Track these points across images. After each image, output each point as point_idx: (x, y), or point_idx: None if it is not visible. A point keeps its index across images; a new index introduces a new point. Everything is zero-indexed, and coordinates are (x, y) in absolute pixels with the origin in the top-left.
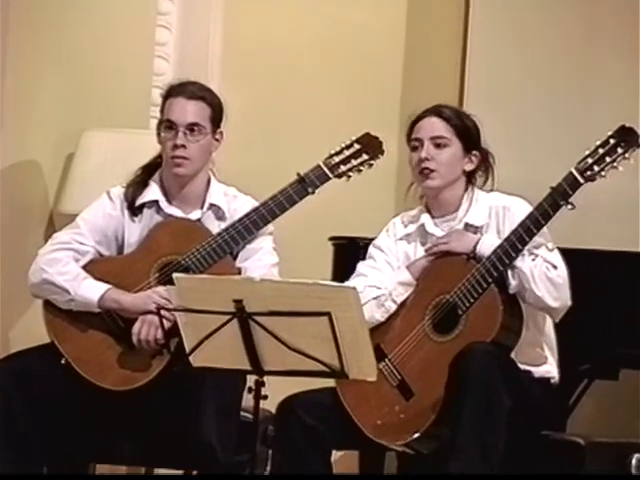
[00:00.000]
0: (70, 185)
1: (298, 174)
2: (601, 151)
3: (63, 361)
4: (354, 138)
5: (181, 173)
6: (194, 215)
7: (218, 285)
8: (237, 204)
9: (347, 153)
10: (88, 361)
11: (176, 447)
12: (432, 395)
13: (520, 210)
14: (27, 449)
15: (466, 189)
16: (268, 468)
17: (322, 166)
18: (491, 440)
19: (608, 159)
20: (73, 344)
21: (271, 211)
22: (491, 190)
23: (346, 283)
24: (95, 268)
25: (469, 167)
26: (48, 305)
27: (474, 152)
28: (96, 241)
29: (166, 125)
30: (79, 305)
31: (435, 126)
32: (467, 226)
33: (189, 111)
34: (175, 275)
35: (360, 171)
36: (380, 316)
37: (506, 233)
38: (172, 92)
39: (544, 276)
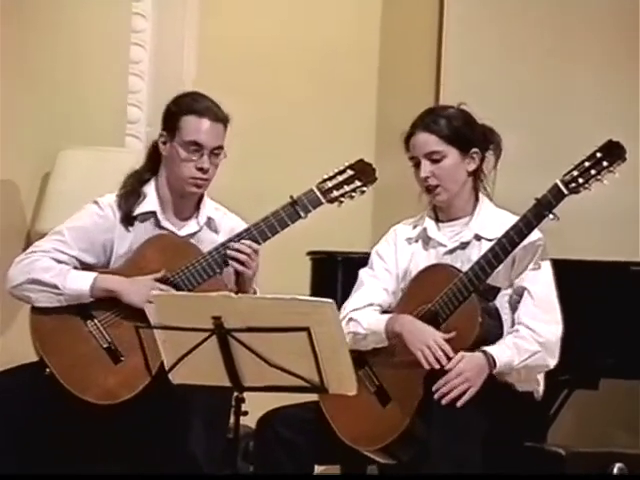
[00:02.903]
0: (47, 204)
1: (291, 197)
2: (587, 164)
3: (47, 371)
4: (347, 164)
5: (199, 193)
6: (190, 228)
7: (196, 302)
8: (228, 221)
9: (340, 179)
10: (73, 374)
11: (162, 462)
12: (408, 402)
13: (534, 236)
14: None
15: (474, 190)
16: None
17: (315, 190)
18: (464, 459)
19: (593, 172)
20: (58, 355)
21: (262, 233)
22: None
23: (353, 292)
24: None
25: (472, 167)
26: (34, 317)
27: (473, 150)
28: (81, 249)
29: (193, 148)
30: (69, 299)
31: (426, 142)
32: (478, 237)
33: (216, 135)
34: (153, 293)
35: (352, 197)
36: (357, 348)
37: (517, 258)
38: (193, 110)
39: (531, 371)
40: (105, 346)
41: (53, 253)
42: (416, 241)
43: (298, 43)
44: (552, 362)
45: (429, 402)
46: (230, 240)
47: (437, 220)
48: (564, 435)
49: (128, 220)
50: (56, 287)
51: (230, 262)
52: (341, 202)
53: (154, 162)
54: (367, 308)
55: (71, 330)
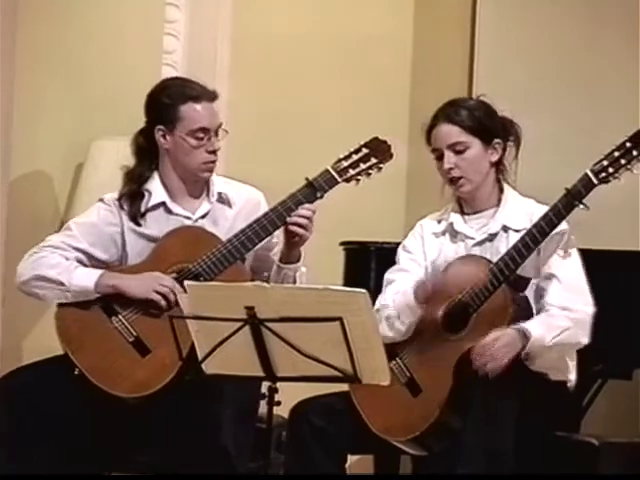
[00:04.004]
0: (80, 195)
1: (307, 179)
2: (617, 154)
3: (76, 371)
4: (362, 142)
5: (211, 175)
6: (203, 209)
7: (229, 292)
8: (243, 193)
9: (355, 157)
10: (101, 370)
11: (192, 453)
12: (439, 392)
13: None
14: (40, 466)
15: (497, 181)
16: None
17: (330, 170)
18: (496, 448)
19: (623, 161)
20: (85, 353)
21: (280, 216)
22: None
23: (382, 293)
24: None
25: (494, 158)
26: (59, 318)
27: (495, 141)
28: (89, 242)
29: (199, 135)
30: (76, 295)
31: (449, 133)
32: (505, 228)
33: (216, 114)
34: (187, 283)
35: (369, 175)
36: (394, 335)
37: (542, 247)
38: (189, 97)
39: (564, 349)
40: (131, 340)
41: (62, 248)
42: (443, 234)
43: (331, 33)
44: (584, 340)
45: (460, 393)
46: (249, 226)
47: (462, 213)
48: (597, 425)
49: (137, 219)
50: (62, 284)
51: (291, 228)
52: (358, 180)
53: (150, 158)
54: (396, 298)
55: (96, 328)
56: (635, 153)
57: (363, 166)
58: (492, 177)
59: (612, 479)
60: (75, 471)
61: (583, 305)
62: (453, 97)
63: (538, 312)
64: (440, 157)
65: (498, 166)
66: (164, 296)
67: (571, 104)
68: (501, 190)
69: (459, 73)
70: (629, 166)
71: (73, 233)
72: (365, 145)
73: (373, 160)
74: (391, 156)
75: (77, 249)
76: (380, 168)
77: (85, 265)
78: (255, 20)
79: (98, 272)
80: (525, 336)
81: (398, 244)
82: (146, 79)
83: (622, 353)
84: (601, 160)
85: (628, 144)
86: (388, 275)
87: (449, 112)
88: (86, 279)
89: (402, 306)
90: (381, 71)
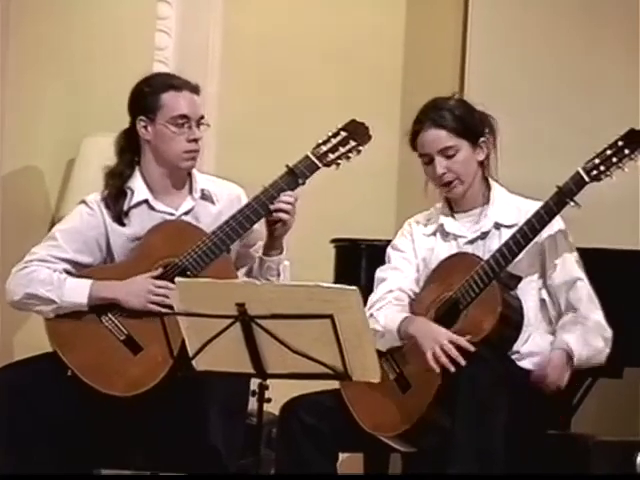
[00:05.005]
0: (71, 190)
1: (287, 166)
2: (608, 152)
3: (69, 373)
4: (340, 126)
5: (193, 166)
6: (186, 205)
7: (220, 289)
8: (224, 190)
9: (334, 141)
10: (93, 370)
11: (182, 452)
12: (427, 389)
13: (558, 226)
14: (34, 464)
15: (484, 178)
16: (272, 471)
17: (310, 156)
18: (486, 446)
19: (615, 159)
20: (77, 354)
21: (263, 205)
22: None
23: (374, 288)
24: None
25: (481, 157)
26: (50, 321)
27: (481, 140)
28: (75, 250)
29: (181, 122)
30: (68, 309)
31: (438, 138)
32: (497, 225)
33: (198, 105)
34: (177, 279)
35: (349, 158)
36: (380, 346)
37: (546, 248)
38: (170, 86)
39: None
40: (122, 338)
41: (49, 261)
42: (434, 235)
43: (324, 30)
44: (605, 359)
45: (449, 390)
46: (232, 217)
47: (452, 212)
48: (588, 423)
49: (120, 218)
50: (53, 302)
51: (276, 214)
52: (338, 164)
53: (131, 154)
54: (387, 296)
55: (87, 328)
56: (627, 151)
57: (342, 150)
58: (479, 175)
59: (603, 479)
60: (67, 470)
61: (608, 326)
62: (445, 93)
63: (540, 310)
64: (429, 162)
65: (483, 163)
66: (161, 303)
67: (570, 104)
68: (488, 187)
69: (451, 71)
70: (621, 164)
71: (58, 243)
72: (343, 128)
73: (352, 143)
74: (369, 138)
75: (63, 259)
76: (359, 151)
77: (69, 273)
78: (246, 16)
79: (88, 284)
80: (569, 356)
81: (389, 241)
82: (138, 75)
83: (613, 351)
84: (593, 158)
85: (620, 143)
86: (380, 274)
87: (433, 116)
88: (78, 294)
89: (388, 330)
90: (373, 68)
